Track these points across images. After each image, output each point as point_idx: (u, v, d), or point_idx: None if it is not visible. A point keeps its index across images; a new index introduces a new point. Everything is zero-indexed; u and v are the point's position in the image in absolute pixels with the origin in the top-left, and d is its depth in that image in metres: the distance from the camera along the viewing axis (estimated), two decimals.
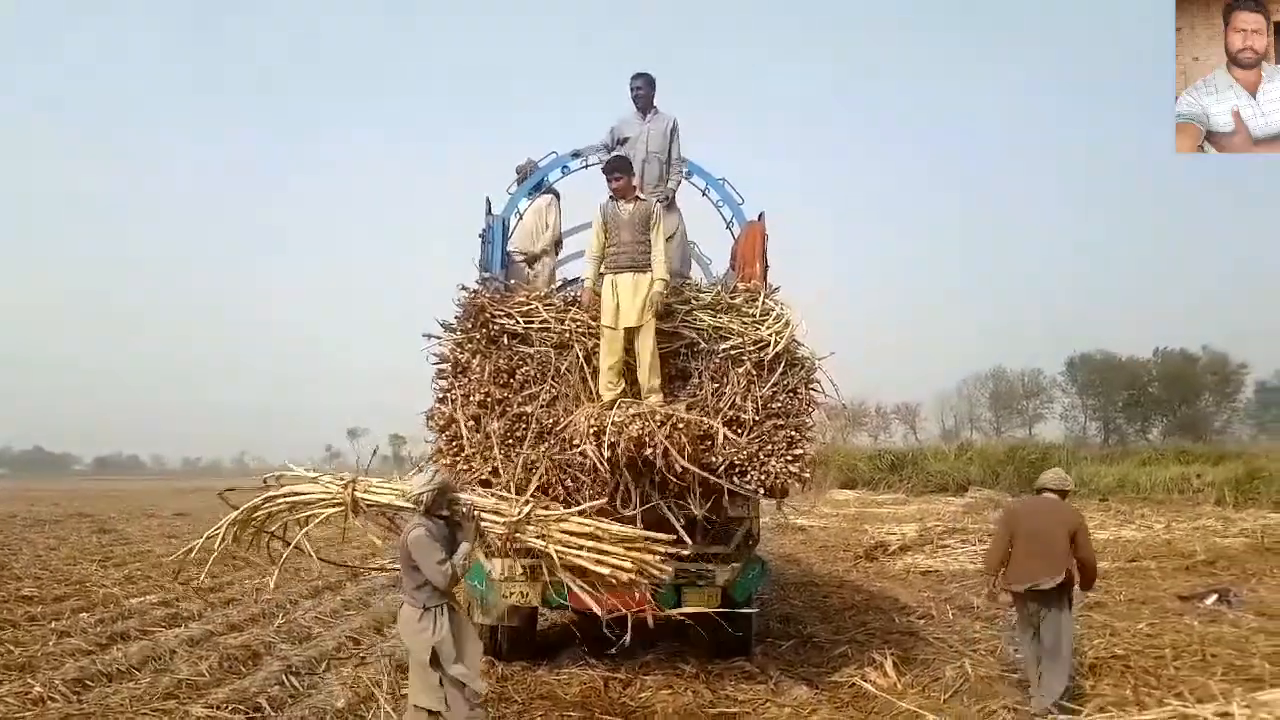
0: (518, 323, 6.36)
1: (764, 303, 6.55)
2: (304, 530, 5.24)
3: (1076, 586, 5.78)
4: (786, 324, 6.40)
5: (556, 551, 4.95)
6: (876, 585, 11.67)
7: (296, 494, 5.15)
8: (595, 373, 6.23)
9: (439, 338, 6.55)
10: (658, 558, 5.12)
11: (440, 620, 4.62)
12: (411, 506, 4.73)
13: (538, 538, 4.98)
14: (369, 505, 5.06)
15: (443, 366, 6.45)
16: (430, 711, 4.59)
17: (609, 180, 6.49)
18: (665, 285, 6.24)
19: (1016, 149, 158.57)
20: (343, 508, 5.06)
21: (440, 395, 6.38)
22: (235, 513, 5.18)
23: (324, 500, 5.10)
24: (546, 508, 5.26)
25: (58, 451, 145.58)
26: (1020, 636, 6.05)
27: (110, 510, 28.37)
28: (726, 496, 6.17)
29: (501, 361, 6.27)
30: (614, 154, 6.85)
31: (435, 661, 4.57)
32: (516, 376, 6.26)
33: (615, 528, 5.18)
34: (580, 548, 4.96)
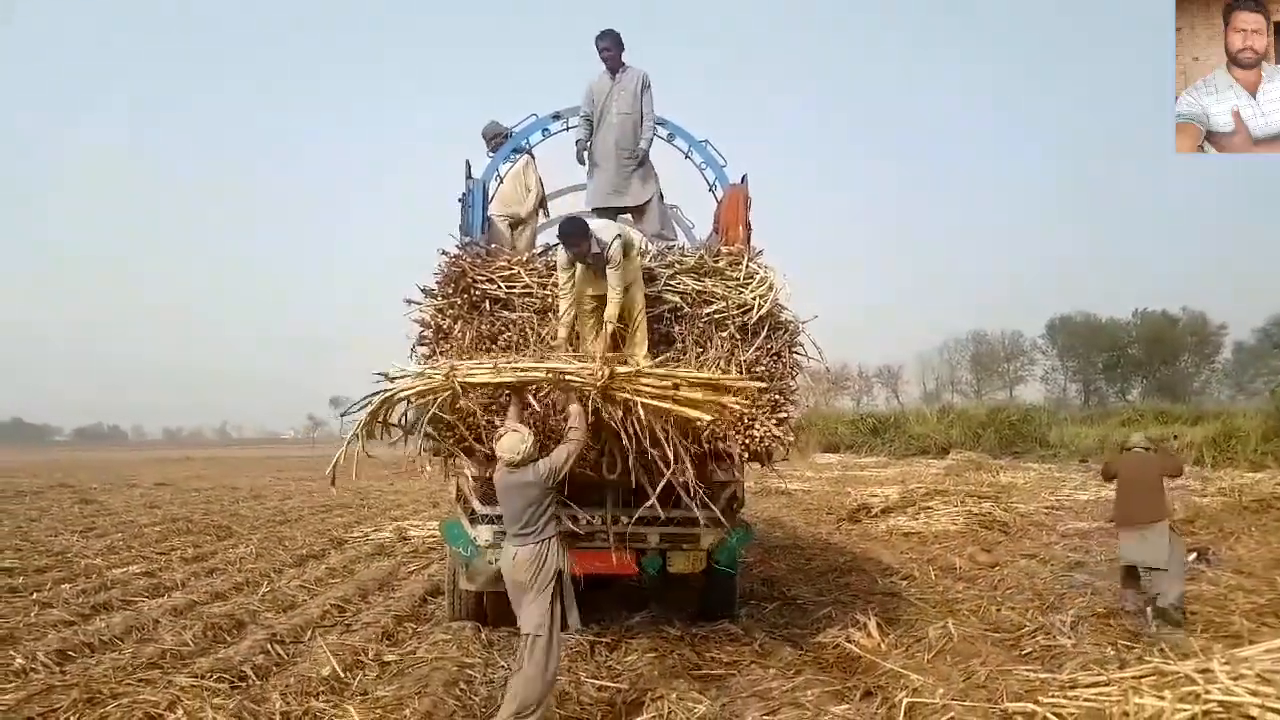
0: (499, 287, 6.27)
1: (747, 266, 6.49)
2: (427, 414, 5.49)
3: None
4: (770, 287, 6.35)
5: (644, 404, 5.17)
6: (860, 547, 11.77)
7: (410, 389, 5.35)
8: (578, 338, 6.17)
9: (419, 304, 6.45)
10: (735, 397, 5.36)
11: (559, 548, 5.03)
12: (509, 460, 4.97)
13: (625, 394, 5.18)
14: (473, 386, 5.34)
15: (424, 333, 6.36)
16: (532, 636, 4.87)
17: (564, 244, 5.93)
18: (611, 325, 5.88)
19: (999, 112, 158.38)
20: (450, 393, 5.29)
21: (421, 362, 6.30)
22: (363, 415, 5.40)
23: (433, 389, 5.29)
24: (622, 363, 5.41)
25: (38, 423, 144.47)
26: (1125, 568, 7.09)
27: (91, 481, 28.20)
28: (711, 461, 6.17)
29: (484, 327, 6.18)
30: (565, 219, 6.24)
31: (557, 586, 4.92)
32: (499, 342, 6.18)
33: (691, 373, 5.40)
34: (665, 398, 5.17)
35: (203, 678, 5.77)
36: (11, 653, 6.35)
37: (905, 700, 5.15)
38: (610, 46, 7.14)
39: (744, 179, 7.33)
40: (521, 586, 4.91)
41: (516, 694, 4.78)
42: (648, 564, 6.52)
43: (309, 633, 7.27)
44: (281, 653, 6.64)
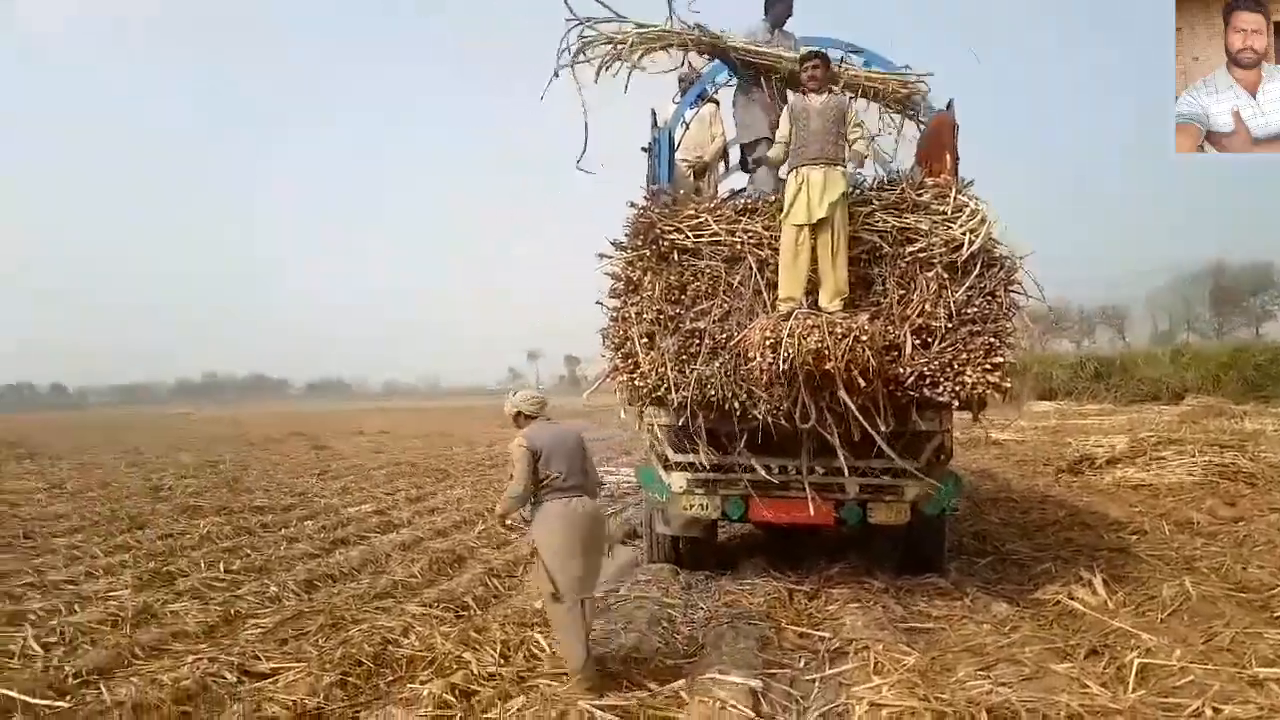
0: (687, 237, 6.21)
1: (956, 199, 6.07)
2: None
3: None
4: (982, 221, 5.91)
5: None
6: (1082, 500, 10.97)
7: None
8: (769, 285, 6.03)
9: (611, 257, 6.51)
10: None
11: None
12: (537, 405, 5.00)
13: None
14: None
15: (615, 285, 6.43)
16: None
17: (804, 70, 6.20)
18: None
19: None
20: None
21: (613, 314, 6.38)
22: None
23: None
24: None
25: (275, 377, 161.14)
26: None
27: (323, 430, 31.04)
28: (916, 410, 5.89)
29: (672, 278, 6.16)
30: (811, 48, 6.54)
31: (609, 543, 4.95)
32: (688, 292, 6.14)
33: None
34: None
35: (430, 607, 6.23)
36: (266, 581, 7.12)
37: (1137, 661, 4.76)
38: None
39: (950, 104, 6.84)
40: (587, 539, 4.65)
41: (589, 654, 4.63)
42: (846, 514, 6.36)
43: (521, 568, 7.67)
44: (498, 585, 7.05)
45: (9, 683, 4.74)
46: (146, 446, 24.35)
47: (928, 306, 5.82)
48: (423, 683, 4.74)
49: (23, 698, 4.55)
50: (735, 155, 7.78)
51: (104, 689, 4.70)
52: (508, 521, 4.79)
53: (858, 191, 6.19)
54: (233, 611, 6.33)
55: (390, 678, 4.97)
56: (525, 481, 4.64)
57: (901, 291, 5.91)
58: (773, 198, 6.33)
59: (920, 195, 6.12)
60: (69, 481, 14.86)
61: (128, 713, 4.39)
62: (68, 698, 4.63)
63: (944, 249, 5.90)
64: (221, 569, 7.58)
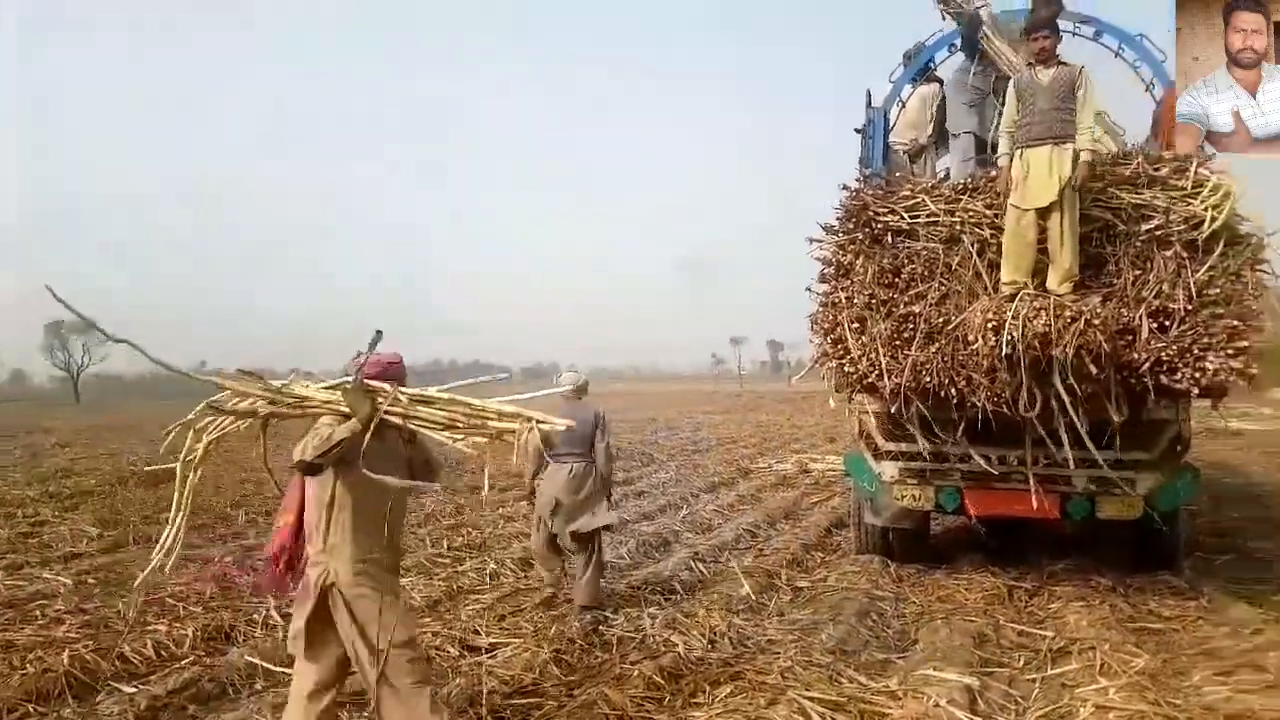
0: (903, 219, 6.05)
1: (1196, 173, 5.59)
2: None
3: None
4: (1226, 195, 5.41)
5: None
6: None
7: None
8: (990, 266, 5.78)
9: (820, 241, 6.45)
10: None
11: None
12: (573, 392, 6.07)
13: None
14: None
15: (825, 270, 6.37)
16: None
17: (1030, 42, 5.85)
18: (1091, 155, 5.51)
19: None
20: None
21: (823, 299, 6.33)
22: None
23: None
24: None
25: (546, 363, 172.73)
26: None
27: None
28: (1152, 398, 5.49)
29: (886, 261, 6.01)
30: (1037, 13, 6.16)
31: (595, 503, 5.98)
32: (902, 275, 5.96)
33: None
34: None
35: (638, 589, 6.47)
36: (485, 559, 7.41)
37: None
38: None
39: None
40: (572, 492, 5.86)
41: (591, 595, 5.89)
42: (1073, 509, 6.03)
43: (725, 554, 7.80)
44: (703, 570, 7.19)
45: (253, 650, 5.15)
46: None
47: (1165, 287, 5.41)
48: (633, 663, 4.81)
49: (264, 664, 4.92)
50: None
51: None
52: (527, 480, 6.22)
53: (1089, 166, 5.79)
54: (455, 587, 6.65)
55: (601, 657, 5.06)
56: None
57: (1137, 272, 5.51)
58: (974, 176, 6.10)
59: (1157, 170, 5.68)
60: None
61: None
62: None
63: (1183, 226, 5.48)
64: (445, 546, 8.04)
